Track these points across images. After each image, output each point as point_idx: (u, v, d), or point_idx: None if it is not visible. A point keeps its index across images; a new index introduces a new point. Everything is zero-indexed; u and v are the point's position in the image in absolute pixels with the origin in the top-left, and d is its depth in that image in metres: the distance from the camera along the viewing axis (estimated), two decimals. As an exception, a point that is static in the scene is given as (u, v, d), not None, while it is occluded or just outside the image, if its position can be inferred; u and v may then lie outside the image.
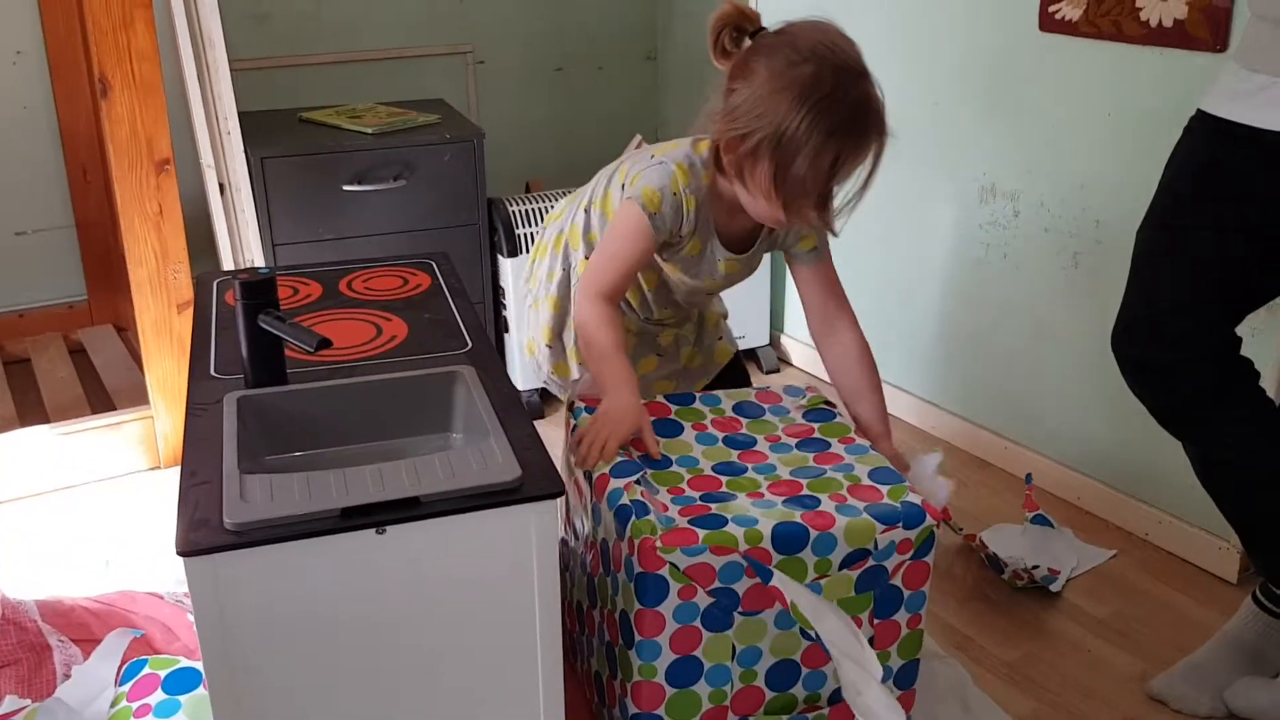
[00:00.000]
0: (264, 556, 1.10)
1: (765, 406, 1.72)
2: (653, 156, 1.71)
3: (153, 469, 2.54)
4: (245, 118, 2.57)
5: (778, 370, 3.06)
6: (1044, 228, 2.31)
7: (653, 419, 1.66)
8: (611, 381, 1.59)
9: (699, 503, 1.46)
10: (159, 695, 1.60)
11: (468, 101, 3.34)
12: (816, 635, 1.35)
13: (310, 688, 1.17)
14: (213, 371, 1.46)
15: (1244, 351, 1.65)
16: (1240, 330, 1.63)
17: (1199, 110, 1.59)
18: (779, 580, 1.37)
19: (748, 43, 1.63)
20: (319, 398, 1.37)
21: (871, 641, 1.48)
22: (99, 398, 2.81)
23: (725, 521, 1.40)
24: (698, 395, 1.73)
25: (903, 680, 1.55)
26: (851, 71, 1.55)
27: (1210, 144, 1.57)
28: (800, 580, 1.42)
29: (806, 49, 1.54)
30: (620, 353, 1.62)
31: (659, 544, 1.36)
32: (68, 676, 1.71)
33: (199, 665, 1.64)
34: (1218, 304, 1.60)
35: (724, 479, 1.53)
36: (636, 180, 1.68)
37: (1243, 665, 1.76)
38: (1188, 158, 1.61)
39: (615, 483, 1.47)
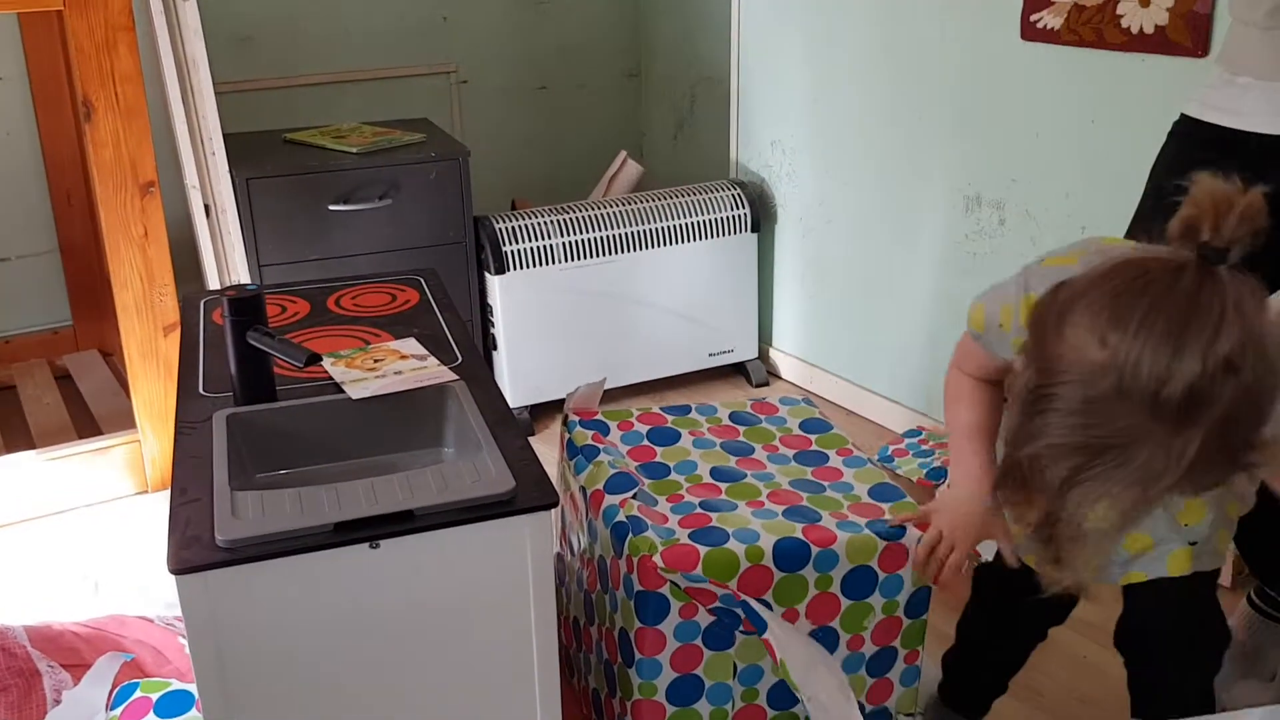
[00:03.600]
0: (256, 573, 1.09)
1: (761, 417, 1.71)
2: (1042, 263, 1.27)
3: (140, 493, 2.52)
4: (229, 139, 2.56)
5: (767, 383, 3.06)
6: (1030, 237, 2.32)
7: (648, 428, 1.65)
8: (960, 467, 1.37)
9: (699, 510, 1.45)
10: (152, 719, 1.58)
11: (452, 121, 3.34)
12: (801, 697, 1.33)
13: (305, 704, 1.16)
14: (201, 390, 1.45)
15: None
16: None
17: (1183, 115, 1.60)
18: (772, 635, 1.35)
19: None
20: (309, 414, 1.37)
21: (871, 636, 1.47)
22: (85, 423, 2.79)
23: (726, 537, 1.38)
24: (694, 406, 1.72)
25: (908, 678, 1.55)
26: None
27: (1195, 148, 1.58)
28: (801, 598, 1.41)
29: None
30: (979, 434, 1.37)
31: (660, 564, 1.34)
32: (58, 702, 1.69)
33: (191, 688, 1.63)
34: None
35: (723, 486, 1.52)
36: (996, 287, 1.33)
37: (1240, 668, 1.76)
38: (1173, 162, 1.62)
39: (611, 499, 1.46)
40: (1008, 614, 1.56)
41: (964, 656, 1.65)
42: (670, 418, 1.68)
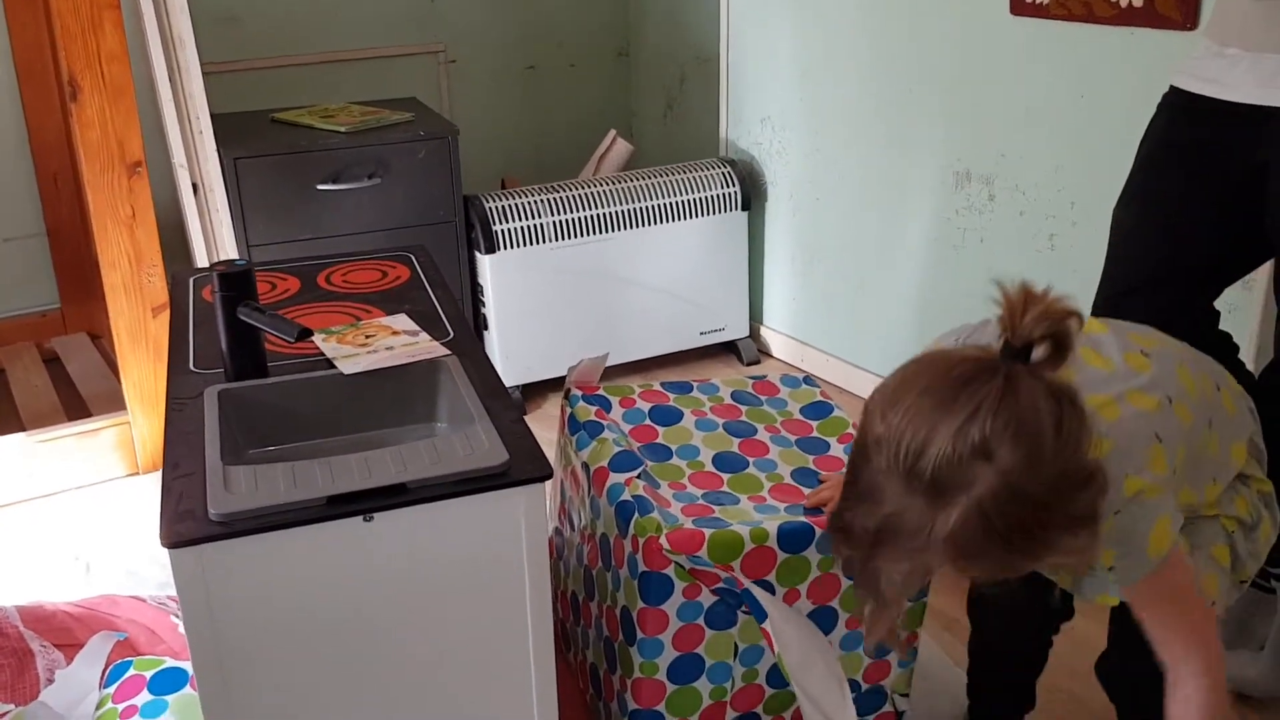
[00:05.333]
0: (250, 547, 1.09)
1: (763, 398, 1.71)
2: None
3: (131, 475, 2.51)
4: (217, 119, 2.55)
5: (758, 361, 3.06)
6: (1019, 211, 2.32)
7: (650, 405, 1.65)
8: None
9: (701, 502, 1.45)
10: (145, 696, 1.58)
11: (440, 100, 3.33)
12: (797, 691, 1.34)
13: (300, 678, 1.16)
14: (192, 366, 1.44)
15: (1222, 327, 1.66)
16: (1218, 305, 1.64)
17: (1171, 86, 1.60)
18: (772, 625, 1.35)
19: None
20: (301, 390, 1.36)
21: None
22: (75, 406, 2.78)
23: (729, 522, 1.38)
24: (695, 384, 1.72)
25: (905, 659, 1.55)
26: None
27: (1183, 119, 1.58)
28: (803, 578, 1.41)
29: None
30: None
31: (665, 546, 1.34)
32: (51, 681, 1.69)
33: (185, 665, 1.63)
34: (1193, 278, 1.61)
35: (725, 476, 1.51)
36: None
37: (1229, 639, 1.77)
38: (1161, 134, 1.62)
39: (615, 477, 1.46)
40: (1004, 627, 1.55)
41: (981, 679, 1.63)
42: (672, 396, 1.68)
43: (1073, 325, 1.01)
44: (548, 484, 1.19)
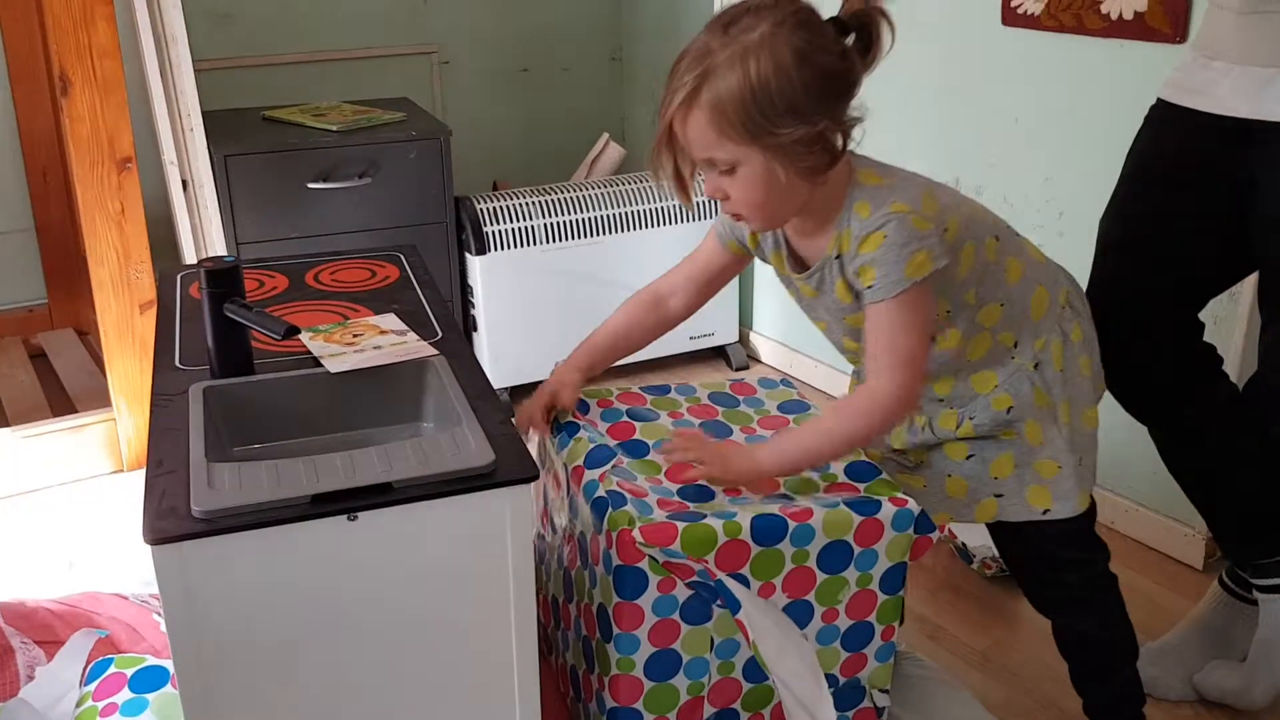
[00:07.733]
0: (233, 544, 1.08)
1: (740, 398, 1.72)
2: None
3: (116, 472, 2.50)
4: (208, 117, 2.54)
5: (747, 367, 3.06)
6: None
7: (628, 407, 1.65)
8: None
9: (676, 499, 1.45)
10: (126, 694, 1.57)
11: (433, 101, 3.33)
12: (773, 680, 1.34)
13: (282, 678, 1.15)
14: (178, 363, 1.44)
15: (1207, 339, 1.67)
16: (1203, 317, 1.65)
17: (1158, 99, 1.61)
18: (746, 616, 1.36)
19: None
20: (287, 388, 1.36)
21: (845, 610, 1.48)
22: (60, 402, 2.77)
23: (704, 515, 1.39)
24: (673, 386, 1.72)
25: (883, 654, 1.55)
26: None
27: (1170, 132, 1.59)
28: (777, 572, 1.41)
29: None
30: (600, 331, 1.68)
31: (639, 539, 1.35)
32: (31, 678, 1.68)
33: (166, 664, 1.62)
34: (1179, 290, 1.62)
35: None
36: None
37: (1211, 649, 1.77)
38: (1148, 146, 1.63)
39: (590, 473, 1.46)
40: None
41: None
42: (650, 398, 1.68)
43: None
44: (533, 485, 1.19)
